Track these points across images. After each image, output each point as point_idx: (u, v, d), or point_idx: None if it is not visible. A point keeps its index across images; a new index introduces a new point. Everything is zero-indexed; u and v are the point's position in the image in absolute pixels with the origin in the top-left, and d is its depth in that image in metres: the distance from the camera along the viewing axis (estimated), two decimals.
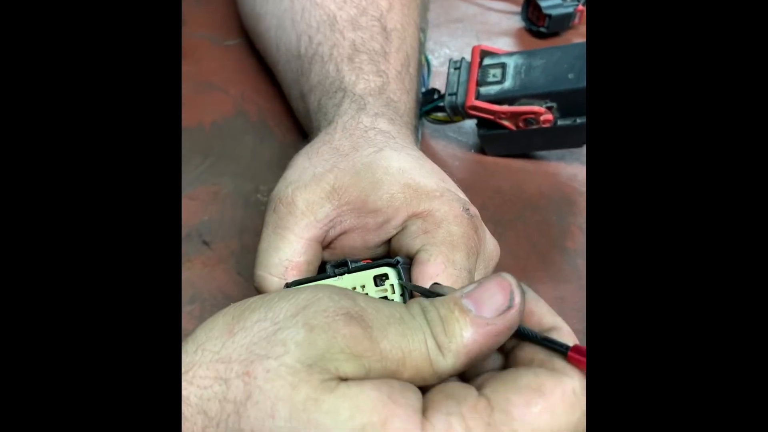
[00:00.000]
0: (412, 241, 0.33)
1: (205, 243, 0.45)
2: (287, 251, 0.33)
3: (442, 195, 0.33)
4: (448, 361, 0.24)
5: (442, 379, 0.24)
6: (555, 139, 0.47)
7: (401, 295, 0.31)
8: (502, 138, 0.48)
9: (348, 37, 0.43)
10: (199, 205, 0.47)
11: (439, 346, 0.24)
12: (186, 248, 0.44)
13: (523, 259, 0.44)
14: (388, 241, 0.34)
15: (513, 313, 0.24)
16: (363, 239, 0.34)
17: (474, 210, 0.34)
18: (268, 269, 0.33)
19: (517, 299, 0.24)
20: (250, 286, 0.42)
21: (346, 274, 0.31)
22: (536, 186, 0.49)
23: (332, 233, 0.34)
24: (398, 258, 0.31)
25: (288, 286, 0.32)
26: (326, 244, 0.35)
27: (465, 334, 0.24)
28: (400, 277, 0.31)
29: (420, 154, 0.37)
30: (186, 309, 0.41)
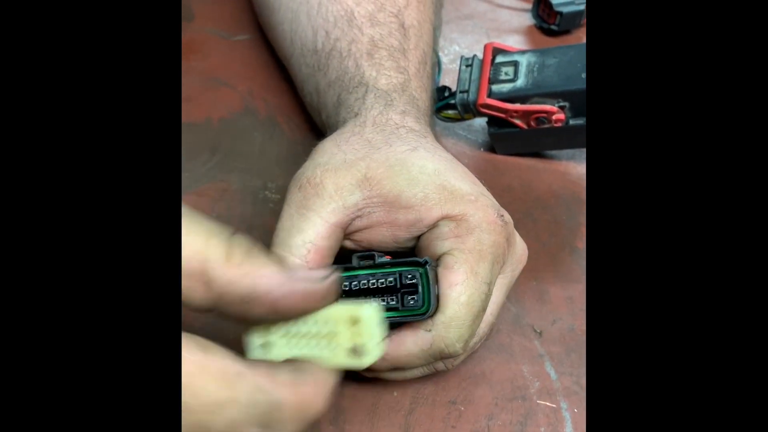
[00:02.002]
0: (440, 243, 0.32)
1: None
2: (311, 233, 0.32)
3: (476, 200, 0.33)
4: None
5: None
6: (566, 139, 0.47)
7: (424, 296, 0.31)
8: (513, 137, 0.48)
9: (366, 33, 0.43)
10: (207, 201, 0.46)
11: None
12: None
13: (532, 259, 0.43)
14: (417, 238, 0.34)
15: None
16: (393, 234, 0.34)
17: (508, 217, 0.34)
18: (289, 249, 0.32)
19: None
20: None
21: (370, 270, 0.31)
22: (546, 185, 0.49)
23: (358, 223, 0.33)
24: (427, 258, 0.31)
25: None
26: (349, 233, 0.34)
27: None
28: (426, 279, 0.31)
29: (451, 156, 0.37)
30: None
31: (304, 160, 0.36)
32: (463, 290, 0.31)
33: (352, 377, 0.36)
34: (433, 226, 0.33)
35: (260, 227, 0.45)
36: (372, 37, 0.42)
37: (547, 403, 0.37)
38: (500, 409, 0.36)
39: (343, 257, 0.34)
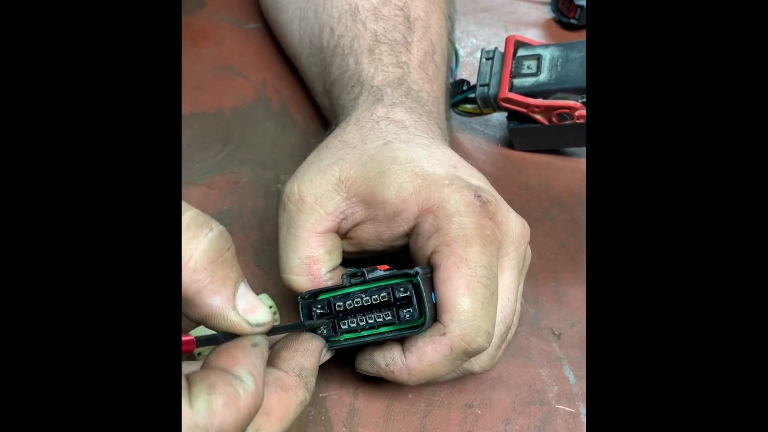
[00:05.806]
0: (426, 243, 0.32)
1: None
2: (304, 249, 0.33)
3: (451, 183, 0.32)
4: None
5: None
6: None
7: (418, 307, 0.30)
8: (533, 132, 0.46)
9: (370, 28, 0.42)
10: (218, 194, 0.45)
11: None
12: None
13: (550, 260, 0.43)
14: (407, 237, 0.33)
15: None
16: (375, 232, 0.33)
17: (487, 195, 0.32)
18: (291, 271, 0.33)
19: None
20: (270, 279, 0.41)
21: (362, 287, 0.31)
22: (565, 183, 0.48)
23: (345, 225, 0.33)
24: (417, 269, 0.30)
25: (303, 298, 0.32)
26: (343, 235, 0.34)
27: None
28: (419, 290, 0.30)
29: (430, 142, 0.35)
30: None
31: None
32: (459, 281, 0.30)
33: (367, 379, 0.36)
34: (415, 224, 0.32)
35: (272, 221, 0.44)
36: (375, 32, 0.42)
37: (566, 408, 0.36)
38: (518, 414, 0.35)
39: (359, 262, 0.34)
